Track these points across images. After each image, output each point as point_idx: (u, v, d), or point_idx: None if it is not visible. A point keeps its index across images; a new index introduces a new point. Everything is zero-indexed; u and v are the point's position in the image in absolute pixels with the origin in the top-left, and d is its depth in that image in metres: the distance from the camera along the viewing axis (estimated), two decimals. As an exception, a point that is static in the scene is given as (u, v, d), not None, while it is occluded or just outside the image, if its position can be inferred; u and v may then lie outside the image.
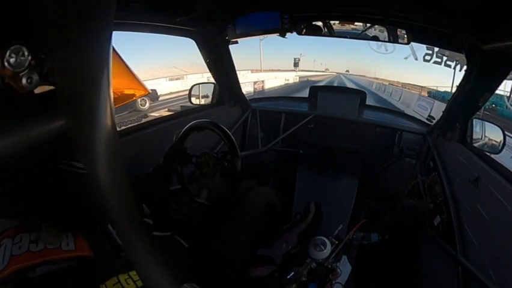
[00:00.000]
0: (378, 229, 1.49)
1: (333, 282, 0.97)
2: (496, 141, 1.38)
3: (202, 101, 2.01)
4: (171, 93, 11.49)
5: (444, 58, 10.51)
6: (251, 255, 1.14)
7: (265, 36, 1.55)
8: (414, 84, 16.07)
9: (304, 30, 1.47)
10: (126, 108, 8.14)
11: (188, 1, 1.17)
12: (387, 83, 18.80)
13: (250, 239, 1.13)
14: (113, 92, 0.28)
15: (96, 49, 0.25)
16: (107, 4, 0.24)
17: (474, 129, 1.42)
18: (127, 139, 1.40)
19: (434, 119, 2.06)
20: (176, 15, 1.24)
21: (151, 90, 9.41)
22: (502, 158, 1.35)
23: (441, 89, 12.83)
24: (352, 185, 1.80)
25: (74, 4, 0.23)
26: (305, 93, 2.38)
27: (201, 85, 2.01)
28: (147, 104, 8.77)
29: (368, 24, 1.47)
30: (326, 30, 1.49)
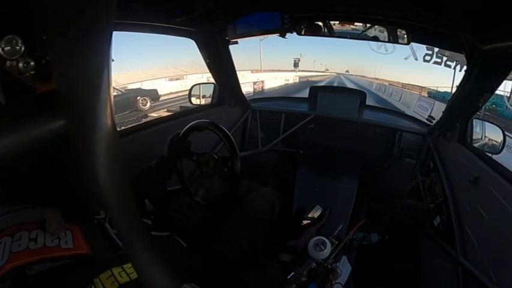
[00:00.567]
0: (378, 229, 1.49)
1: (333, 282, 0.97)
2: (496, 142, 1.38)
3: (202, 101, 2.01)
4: (171, 93, 11.49)
5: (444, 58, 10.51)
6: (256, 255, 1.15)
7: (265, 36, 1.55)
8: (414, 85, 16.09)
9: (304, 31, 1.48)
10: (127, 108, 8.17)
11: (188, 1, 1.17)
12: (387, 84, 18.78)
13: (253, 239, 1.13)
14: None
15: (96, 49, 0.25)
16: (107, 4, 0.24)
17: (474, 129, 1.42)
18: (127, 139, 1.40)
19: (434, 119, 2.06)
20: (177, 15, 1.25)
21: (152, 90, 9.44)
22: (501, 159, 1.35)
23: (442, 90, 12.85)
24: (352, 185, 1.80)
25: (74, 4, 0.23)
26: (305, 94, 2.38)
27: (200, 85, 2.01)
28: (148, 104, 8.78)
29: (368, 25, 1.47)
30: (325, 30, 1.49)
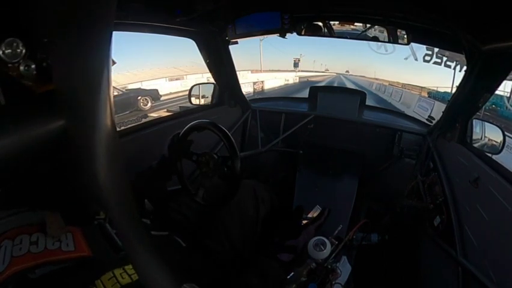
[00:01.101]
0: (378, 229, 1.49)
1: (333, 282, 0.97)
2: (496, 142, 1.38)
3: (202, 101, 2.00)
4: (171, 93, 11.50)
5: (444, 59, 10.51)
6: (252, 254, 1.15)
7: (265, 36, 1.55)
8: (414, 85, 16.09)
9: (304, 31, 1.48)
10: (128, 107, 8.18)
11: (188, 1, 1.17)
12: (387, 84, 18.79)
13: (245, 233, 1.14)
14: None
15: (96, 49, 0.25)
16: (107, 4, 0.24)
17: (474, 129, 1.42)
18: (127, 139, 1.40)
19: (434, 119, 2.06)
20: (177, 15, 1.25)
21: (153, 90, 9.45)
22: (501, 159, 1.35)
23: (441, 90, 12.85)
24: (352, 185, 1.80)
25: (74, 4, 0.23)
26: (305, 94, 2.38)
27: (200, 85, 2.01)
28: (149, 104, 8.78)
29: (368, 25, 1.47)
30: (325, 30, 1.49)
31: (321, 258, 0.98)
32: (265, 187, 1.40)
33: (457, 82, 1.38)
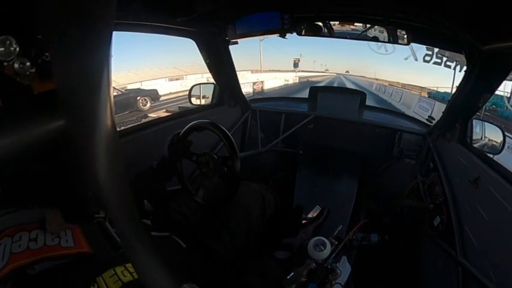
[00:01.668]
0: (378, 229, 1.49)
1: (333, 282, 0.97)
2: (496, 142, 1.38)
3: (202, 102, 2.01)
4: (171, 93, 11.50)
5: (444, 59, 10.51)
6: (254, 249, 1.15)
7: (265, 36, 1.55)
8: (414, 85, 16.08)
9: (304, 31, 1.48)
10: (127, 108, 8.17)
11: (188, 1, 1.17)
12: (387, 84, 18.79)
13: (246, 236, 1.14)
14: None
15: (96, 49, 0.25)
16: (107, 4, 0.24)
17: (474, 129, 1.42)
18: (127, 139, 1.40)
19: (434, 119, 2.06)
20: (177, 15, 1.25)
21: (152, 90, 9.45)
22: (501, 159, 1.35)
23: (441, 90, 12.84)
24: (352, 185, 1.80)
25: (74, 4, 0.23)
26: (305, 94, 2.39)
27: (201, 85, 2.01)
28: (148, 104, 8.78)
29: (368, 25, 1.47)
30: (325, 30, 1.49)
31: (321, 258, 0.98)
32: (270, 189, 1.40)
33: (457, 82, 1.38)
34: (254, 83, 13.82)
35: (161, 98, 10.07)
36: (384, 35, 1.45)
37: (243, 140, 2.17)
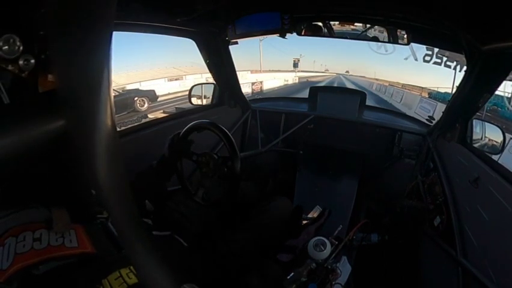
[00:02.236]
0: (378, 230, 1.49)
1: (333, 282, 0.97)
2: (496, 142, 1.38)
3: (203, 101, 2.01)
4: (169, 93, 11.47)
5: (444, 59, 10.49)
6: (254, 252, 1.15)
7: (265, 36, 1.55)
8: (414, 85, 16.06)
9: (304, 31, 1.48)
10: (125, 108, 8.16)
11: (188, 1, 1.17)
12: (387, 84, 18.75)
13: (261, 249, 1.14)
14: None
15: (96, 49, 0.25)
16: (107, 4, 0.24)
17: (474, 129, 1.42)
18: (127, 139, 1.40)
19: (434, 119, 2.06)
20: (177, 15, 1.25)
21: (150, 90, 9.43)
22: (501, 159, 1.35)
23: (442, 90, 12.81)
24: (352, 185, 1.80)
25: (74, 4, 0.23)
26: (305, 94, 2.38)
27: (201, 85, 2.01)
28: (146, 105, 8.77)
29: (368, 25, 1.47)
30: (325, 30, 1.49)
31: (321, 258, 0.98)
32: (290, 204, 1.39)
33: (457, 82, 1.38)
34: (253, 84, 13.74)
35: (160, 99, 10.04)
36: (384, 35, 1.45)
37: (243, 140, 2.17)
